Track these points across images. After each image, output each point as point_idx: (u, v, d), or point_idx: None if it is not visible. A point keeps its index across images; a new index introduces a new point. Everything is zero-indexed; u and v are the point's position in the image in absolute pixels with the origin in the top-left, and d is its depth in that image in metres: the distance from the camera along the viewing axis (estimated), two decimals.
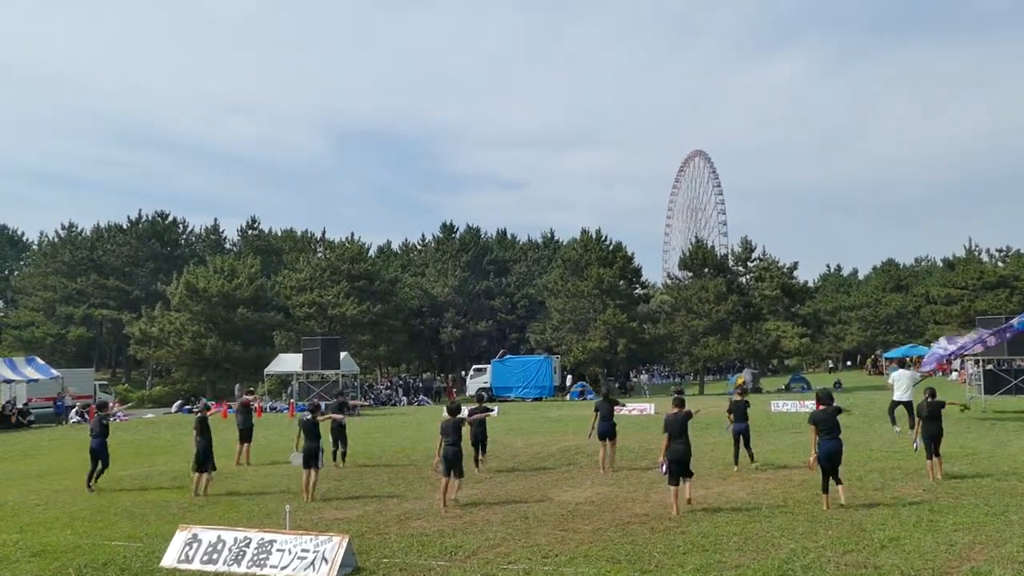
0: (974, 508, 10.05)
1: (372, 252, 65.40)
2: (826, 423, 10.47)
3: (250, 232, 75.47)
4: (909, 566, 7.50)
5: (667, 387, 48.78)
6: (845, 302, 72.94)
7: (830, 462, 10.34)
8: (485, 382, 45.18)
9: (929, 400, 12.85)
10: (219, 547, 8.28)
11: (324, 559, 7.72)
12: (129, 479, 15.34)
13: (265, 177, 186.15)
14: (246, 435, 17.37)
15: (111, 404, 18.62)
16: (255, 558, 8.02)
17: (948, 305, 56.55)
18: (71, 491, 14.07)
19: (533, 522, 10.16)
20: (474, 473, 13.98)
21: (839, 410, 10.86)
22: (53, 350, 55.41)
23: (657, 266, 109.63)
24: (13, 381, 32.96)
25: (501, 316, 60.79)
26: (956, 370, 41.72)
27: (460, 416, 12.14)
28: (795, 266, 58.33)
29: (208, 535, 8.48)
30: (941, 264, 72.75)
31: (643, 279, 57.00)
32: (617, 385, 48.81)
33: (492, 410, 14.62)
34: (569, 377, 47.61)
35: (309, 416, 12.88)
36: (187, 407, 37.76)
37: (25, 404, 33.04)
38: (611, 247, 53.21)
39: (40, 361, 35.76)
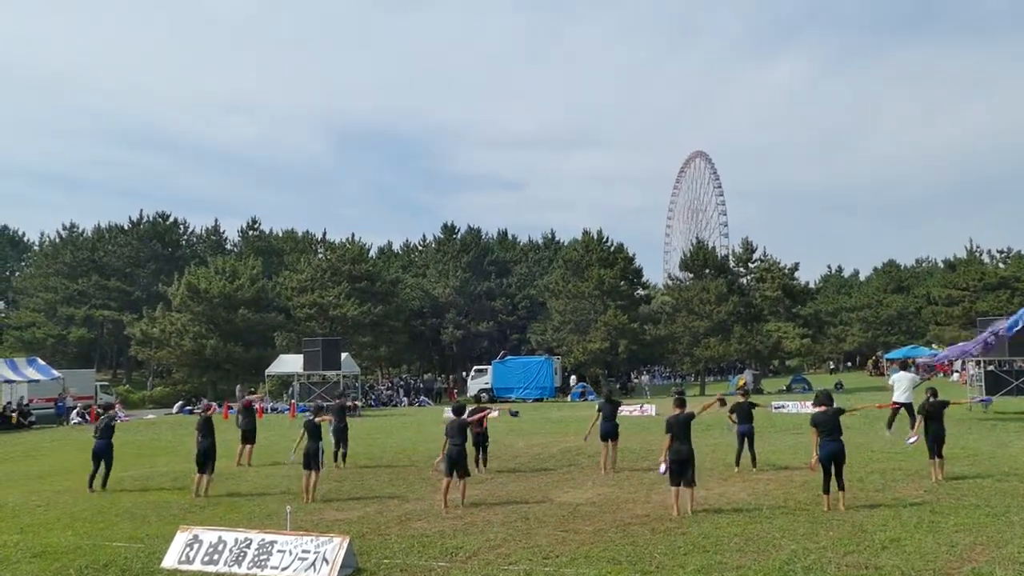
0: (975, 509, 10.04)
1: (373, 253, 65.47)
2: (827, 424, 10.44)
3: (251, 233, 75.53)
4: (910, 567, 7.49)
5: (668, 388, 48.77)
6: (846, 303, 72.93)
7: (832, 463, 10.32)
8: (486, 383, 45.22)
9: (931, 400, 12.84)
10: (220, 548, 8.29)
11: (325, 560, 7.72)
12: (130, 480, 15.35)
13: (265, 177, 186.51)
14: (249, 436, 17.36)
15: (115, 405, 18.58)
16: (256, 559, 8.02)
17: (949, 306, 56.53)
18: (72, 492, 14.08)
19: (534, 523, 10.15)
20: (475, 474, 13.96)
21: (840, 411, 10.83)
22: (54, 351, 55.45)
23: (658, 267, 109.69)
24: (14, 382, 32.99)
25: (502, 317, 60.79)
26: (957, 371, 41.71)
27: (464, 419, 12.14)
28: (796, 267, 58.37)
29: (209, 536, 8.48)
30: (942, 265, 72.70)
31: (644, 280, 57.05)
32: (618, 386, 48.81)
33: (492, 410, 14.56)
34: (573, 378, 47.62)
35: (311, 416, 12.93)
36: (188, 408, 37.80)
37: (25, 405, 33.05)
38: (612, 248, 53.23)
39: (41, 362, 35.79)
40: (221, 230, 75.14)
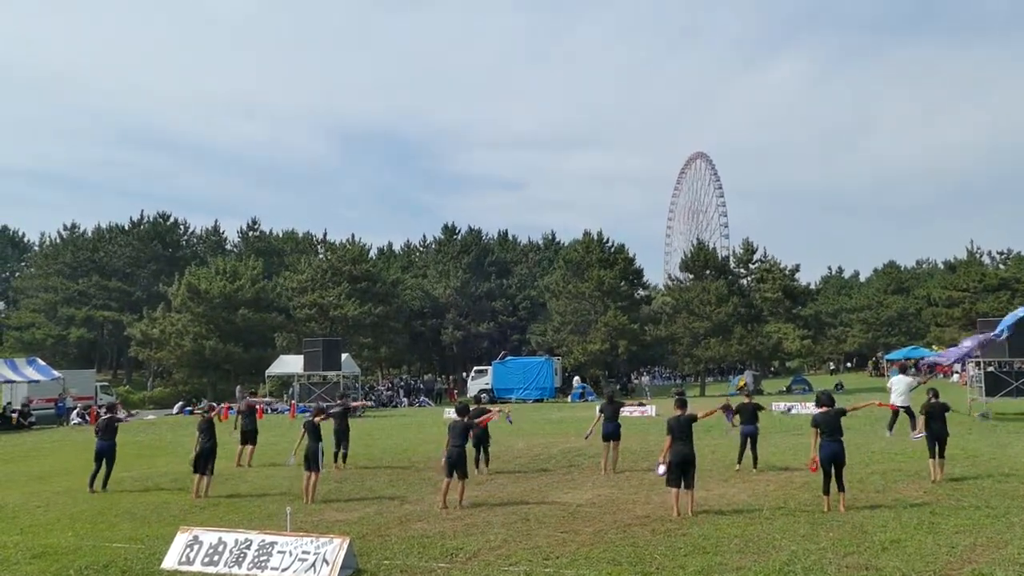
0: (975, 510, 10.04)
1: (373, 253, 65.47)
2: (828, 425, 10.44)
3: (250, 234, 75.58)
4: (910, 568, 7.49)
5: (668, 389, 48.77)
6: (846, 304, 72.96)
7: (833, 464, 10.32)
8: (486, 384, 45.22)
9: (933, 401, 12.87)
10: (220, 549, 8.28)
11: (325, 561, 7.73)
12: (130, 480, 15.35)
13: (265, 178, 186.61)
14: (250, 437, 17.35)
15: (117, 406, 18.56)
16: (256, 560, 8.02)
17: (949, 307, 56.55)
18: (72, 493, 14.08)
19: (534, 524, 10.15)
20: (474, 475, 13.95)
21: (842, 412, 10.84)
22: (54, 351, 55.43)
23: (659, 267, 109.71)
24: (14, 382, 32.98)
25: (502, 318, 60.80)
26: (957, 372, 41.67)
27: (468, 422, 12.13)
28: (797, 268, 58.34)
29: (209, 537, 8.48)
30: (942, 266, 72.79)
31: (645, 281, 57.05)
32: (618, 387, 48.79)
33: (494, 413, 14.52)
34: (576, 379, 47.64)
35: (310, 417, 12.92)
36: (188, 409, 37.81)
37: (26, 405, 33.05)
38: (612, 249, 53.24)
39: (41, 362, 35.77)
40: (221, 231, 75.31)
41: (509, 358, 47.32)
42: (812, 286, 71.42)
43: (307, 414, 14.25)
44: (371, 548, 9.00)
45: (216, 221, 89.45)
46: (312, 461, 12.37)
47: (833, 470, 10.32)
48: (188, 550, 8.42)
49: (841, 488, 10.34)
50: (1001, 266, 60.83)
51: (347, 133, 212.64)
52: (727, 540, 8.85)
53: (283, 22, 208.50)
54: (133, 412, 36.35)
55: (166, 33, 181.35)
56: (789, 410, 26.16)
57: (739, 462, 14.22)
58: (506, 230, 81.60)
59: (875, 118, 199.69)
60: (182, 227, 70.67)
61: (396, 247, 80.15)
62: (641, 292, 57.66)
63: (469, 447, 12.79)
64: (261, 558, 8.01)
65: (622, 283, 51.63)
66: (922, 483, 12.18)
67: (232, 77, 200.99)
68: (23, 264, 75.26)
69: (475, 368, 49.44)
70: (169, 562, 8.39)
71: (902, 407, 18.08)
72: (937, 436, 12.54)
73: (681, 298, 50.51)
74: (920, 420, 13.06)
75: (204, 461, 13.22)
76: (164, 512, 11.87)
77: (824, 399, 10.99)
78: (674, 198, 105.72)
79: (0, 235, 76.61)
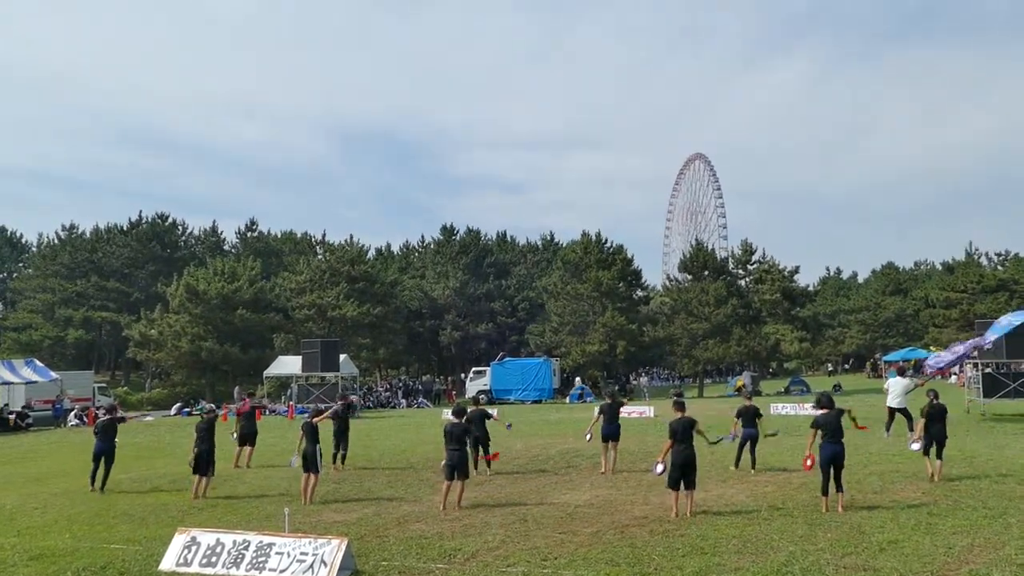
0: (973, 511, 10.06)
1: (371, 254, 65.45)
2: (829, 427, 10.48)
3: (249, 234, 75.55)
4: (908, 569, 7.50)
5: (667, 390, 48.80)
6: (845, 305, 73.06)
7: (833, 466, 10.36)
8: (484, 384, 45.21)
9: (933, 402, 12.91)
10: (218, 550, 8.28)
11: (323, 562, 7.72)
12: (128, 482, 15.33)
13: (265, 178, 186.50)
14: (249, 438, 17.33)
15: (117, 407, 18.53)
16: (254, 561, 8.02)
17: (947, 309, 56.64)
18: (70, 494, 14.06)
19: (532, 525, 10.15)
20: (473, 475, 13.94)
21: (842, 412, 10.89)
22: (52, 352, 55.40)
23: (657, 268, 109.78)
24: (12, 383, 32.94)
25: (501, 318, 60.81)
26: (955, 373, 41.74)
27: (466, 424, 12.12)
28: (796, 270, 58.33)
29: (207, 538, 8.47)
30: (940, 268, 72.92)
31: (643, 281, 57.07)
32: (617, 388, 48.80)
33: (493, 416, 14.52)
34: (578, 379, 47.64)
35: (309, 418, 12.91)
36: (186, 410, 37.78)
37: (25, 407, 33.01)
38: (611, 250, 53.25)
39: (39, 363, 35.73)
40: (219, 231, 75.30)
41: (507, 359, 47.34)
42: (810, 287, 71.55)
43: (305, 415, 14.23)
44: (369, 549, 9.00)
45: (214, 222, 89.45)
46: (311, 463, 12.36)
47: (832, 471, 10.37)
48: (186, 551, 8.41)
49: (840, 488, 10.38)
50: (999, 267, 60.94)
51: (347, 133, 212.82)
52: (725, 541, 8.86)
53: (283, 22, 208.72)
54: (124, 416, 36.27)
55: (166, 33, 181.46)
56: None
57: (736, 465, 14.25)
58: (505, 231, 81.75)
59: (875, 119, 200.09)
60: (180, 228, 70.68)
61: (395, 248, 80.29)
62: (639, 293, 57.70)
63: (467, 448, 12.77)
64: (259, 559, 8.00)
65: (620, 284, 51.66)
66: (920, 484, 12.20)
67: (232, 77, 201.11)
68: (21, 265, 75.19)
69: (473, 369, 49.44)
70: (167, 563, 8.39)
71: (898, 409, 18.10)
72: (936, 438, 12.56)
73: (680, 299, 50.53)
74: (920, 423, 13.06)
75: (203, 463, 13.22)
76: (162, 513, 11.86)
77: (825, 401, 11.03)
78: (673, 199, 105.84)
79: None
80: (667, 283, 60.78)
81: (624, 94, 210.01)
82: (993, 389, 24.46)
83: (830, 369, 70.60)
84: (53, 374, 35.49)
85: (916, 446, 13.06)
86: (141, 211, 67.77)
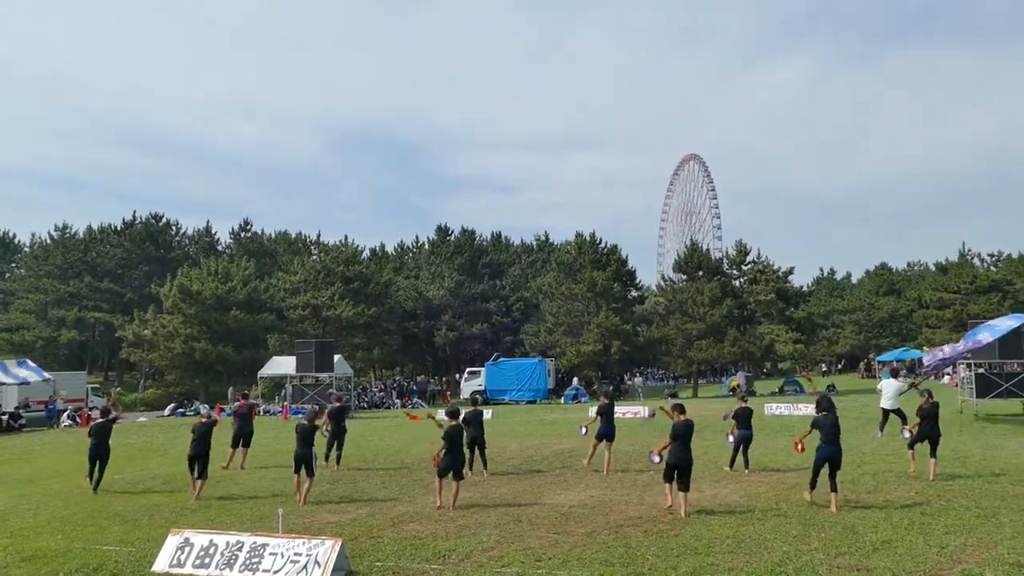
0: (965, 511, 10.10)
1: (365, 254, 65.33)
2: (828, 428, 10.54)
3: (243, 235, 75.33)
4: (901, 568, 7.53)
5: (661, 390, 48.83)
6: (839, 306, 73.24)
7: (828, 465, 10.43)
8: (479, 385, 45.16)
9: (930, 401, 13.00)
10: (211, 551, 8.25)
11: (317, 563, 7.71)
12: (121, 483, 15.28)
13: (264, 178, 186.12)
14: (246, 440, 17.28)
15: (113, 405, 18.47)
16: (247, 562, 8.00)
17: (940, 309, 56.80)
18: (63, 495, 14.01)
19: (526, 525, 10.15)
20: (468, 476, 13.92)
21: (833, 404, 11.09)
22: (45, 353, 55.11)
23: (652, 269, 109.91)
24: (4, 384, 32.79)
25: (495, 319, 60.80)
26: (948, 374, 41.90)
27: (461, 424, 12.12)
28: (791, 270, 58.44)
29: (200, 539, 8.45)
30: (934, 268, 73.13)
31: (638, 282, 57.11)
32: (611, 388, 48.83)
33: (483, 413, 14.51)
34: (576, 379, 47.62)
35: (306, 422, 12.79)
36: (180, 411, 37.65)
37: (19, 407, 32.86)
38: (605, 250, 53.26)
39: (31, 363, 35.58)
40: (213, 231, 75.06)
41: (502, 359, 47.31)
42: (804, 288, 71.72)
43: (300, 416, 14.18)
44: (363, 550, 8.98)
45: (208, 222, 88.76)
46: (306, 467, 12.29)
47: (827, 471, 10.45)
48: (179, 552, 8.39)
49: (834, 488, 10.44)
50: (992, 268, 61.18)
51: (347, 133, 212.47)
52: (719, 541, 8.88)
53: (283, 22, 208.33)
54: (119, 416, 36.13)
55: (166, 33, 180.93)
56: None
57: (731, 466, 14.30)
58: (499, 231, 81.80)
59: (875, 119, 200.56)
60: (174, 228, 70.43)
61: (389, 248, 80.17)
62: (634, 293, 57.74)
63: (466, 449, 12.77)
64: (252, 560, 7.98)
65: (615, 284, 51.67)
66: (913, 484, 12.25)
67: (232, 77, 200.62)
68: (13, 265, 74.86)
69: (468, 369, 49.38)
70: (160, 565, 8.36)
71: (891, 410, 18.16)
72: (928, 436, 12.65)
73: (674, 299, 50.58)
74: (913, 422, 13.17)
75: (201, 465, 13.17)
76: (155, 514, 11.82)
77: (824, 403, 11.09)
78: (667, 199, 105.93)
79: None
80: (662, 283, 60.85)
81: (624, 94, 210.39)
82: (986, 389, 24.57)
83: (824, 369, 70.77)
84: (46, 375, 35.35)
85: (907, 435, 13.25)
86: (135, 211, 67.71)
